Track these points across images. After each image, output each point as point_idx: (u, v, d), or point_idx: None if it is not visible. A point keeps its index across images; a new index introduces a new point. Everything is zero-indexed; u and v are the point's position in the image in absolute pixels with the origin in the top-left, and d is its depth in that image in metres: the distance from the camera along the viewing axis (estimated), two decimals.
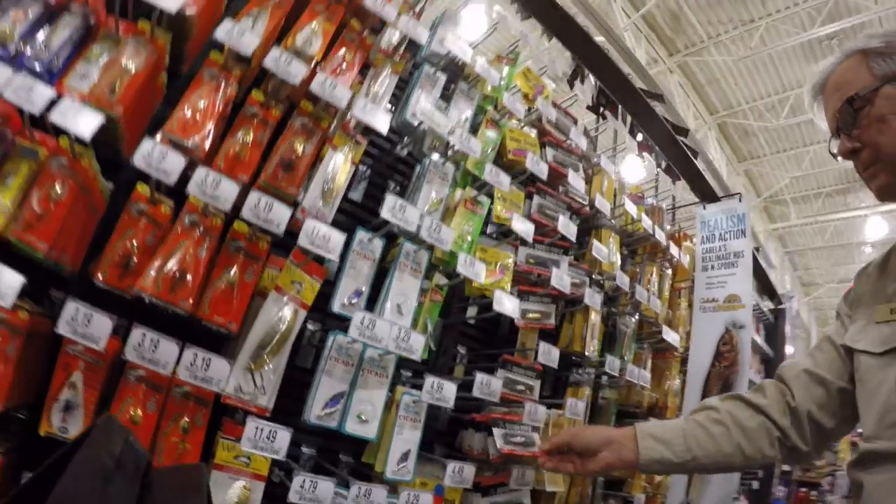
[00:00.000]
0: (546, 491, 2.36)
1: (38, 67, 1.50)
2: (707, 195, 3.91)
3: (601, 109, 3.79)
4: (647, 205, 3.47)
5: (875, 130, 1.19)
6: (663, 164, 3.87)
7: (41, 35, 1.55)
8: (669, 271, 3.53)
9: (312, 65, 1.76)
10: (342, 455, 1.98)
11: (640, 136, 3.75)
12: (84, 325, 1.35)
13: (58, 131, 1.42)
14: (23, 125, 1.45)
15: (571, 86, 3.27)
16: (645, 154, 3.84)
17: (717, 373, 3.07)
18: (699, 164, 4.29)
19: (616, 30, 9.01)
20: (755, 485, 5.25)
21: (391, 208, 1.72)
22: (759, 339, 5.41)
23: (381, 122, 1.79)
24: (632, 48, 9.22)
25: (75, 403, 1.43)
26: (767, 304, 5.61)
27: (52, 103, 1.37)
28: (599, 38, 8.58)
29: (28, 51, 1.52)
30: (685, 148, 3.86)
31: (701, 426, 1.48)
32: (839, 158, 1.30)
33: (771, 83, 11.19)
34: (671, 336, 3.22)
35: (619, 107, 3.43)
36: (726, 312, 3.29)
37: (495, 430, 2.09)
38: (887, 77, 1.18)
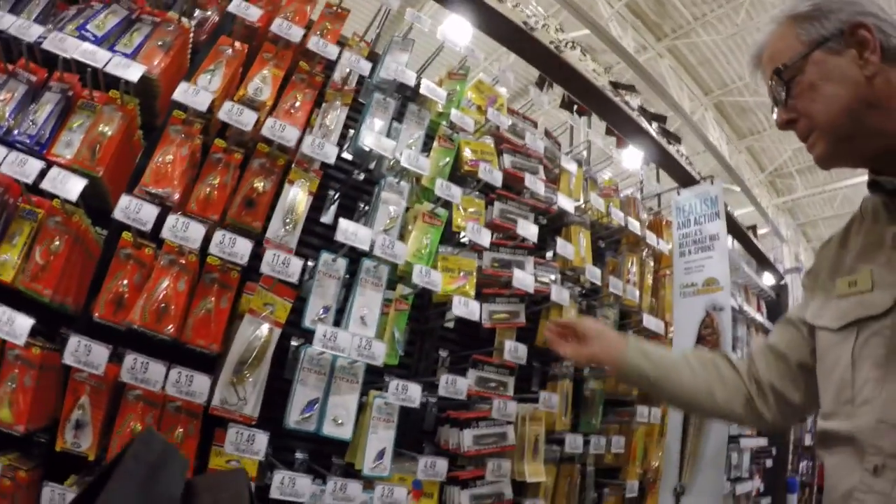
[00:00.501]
0: (528, 482, 2.49)
1: (28, 141, 1.75)
2: (686, 181, 4.01)
3: (574, 107, 3.96)
4: (623, 197, 3.60)
5: (807, 99, 1.14)
6: (643, 155, 4.01)
7: (30, 112, 1.81)
8: (651, 260, 3.63)
9: (265, 110, 1.98)
10: (334, 457, 2.17)
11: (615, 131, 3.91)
12: (85, 354, 1.59)
13: (51, 194, 1.65)
14: (21, 192, 1.69)
15: (541, 87, 3.44)
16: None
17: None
18: (682, 149, 4.39)
19: (601, 20, 9.10)
20: (769, 462, 5.22)
21: (344, 231, 1.91)
22: (761, 318, 5.36)
23: (329, 154, 1.99)
24: (618, 37, 9.30)
25: (84, 422, 1.68)
26: (769, 281, 5.57)
27: (43, 173, 1.61)
28: (584, 32, 8.71)
29: (18, 128, 1.77)
30: (657, 137, 3.98)
31: (685, 359, 1.57)
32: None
33: None
34: (653, 323, 3.31)
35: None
36: (706, 296, 3.32)
37: (466, 431, 2.26)
38: (815, 42, 1.13)
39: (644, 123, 3.91)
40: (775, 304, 5.73)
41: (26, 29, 1.77)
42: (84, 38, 1.85)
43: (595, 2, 9.60)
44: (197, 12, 2.31)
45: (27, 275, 1.66)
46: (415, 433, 2.40)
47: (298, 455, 2.13)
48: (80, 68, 1.83)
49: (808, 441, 6.47)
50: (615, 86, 4.06)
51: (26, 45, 1.80)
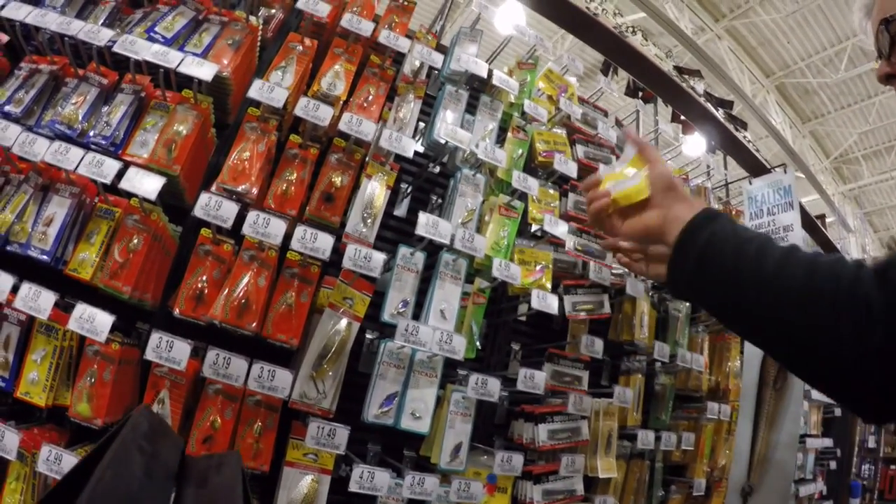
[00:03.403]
0: (600, 477, 2.46)
1: (103, 142, 1.79)
2: (755, 168, 3.87)
3: (639, 94, 3.85)
4: (693, 186, 3.49)
5: None
6: (711, 142, 3.88)
7: (103, 114, 1.84)
8: None
9: (339, 105, 1.97)
10: (405, 450, 2.17)
11: (682, 117, 3.79)
12: (167, 350, 1.62)
13: (129, 193, 1.68)
14: (98, 192, 1.72)
15: (606, 73, 3.35)
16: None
17: None
18: (748, 134, 4.24)
19: (657, 2, 8.86)
20: (833, 465, 5.07)
21: (425, 225, 1.89)
22: None
23: (408, 148, 1.97)
24: (675, 19, 9.05)
25: (164, 415, 1.72)
26: None
27: (121, 173, 1.64)
28: (640, 15, 8.49)
29: (93, 129, 1.81)
30: (725, 123, 3.84)
31: None
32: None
33: (825, 35, 10.67)
34: None
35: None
36: None
37: (540, 426, 2.23)
38: None
39: (711, 109, 3.76)
40: None
41: (96, 33, 1.80)
42: (153, 41, 1.87)
43: None
44: (262, 10, 2.31)
45: (106, 272, 1.70)
46: (486, 427, 2.37)
47: (371, 447, 2.13)
48: (152, 69, 1.85)
49: (871, 444, 6.23)
50: (680, 71, 3.93)
51: (96, 49, 1.83)
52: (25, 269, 1.65)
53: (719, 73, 9.08)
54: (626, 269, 2.23)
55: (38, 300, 1.58)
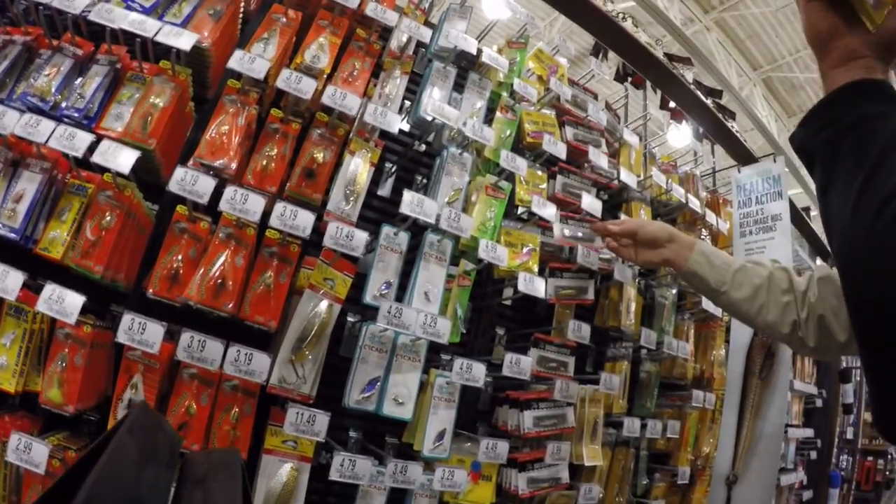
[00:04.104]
0: (585, 465, 2.42)
1: (76, 115, 1.71)
2: (744, 158, 3.85)
3: (628, 79, 3.81)
4: (681, 173, 3.46)
5: None
6: (701, 130, 3.85)
7: (76, 86, 1.77)
8: (708, 239, 3.49)
9: (323, 78, 1.90)
10: (388, 437, 2.12)
11: (671, 104, 3.76)
12: (140, 333, 1.54)
13: (101, 168, 1.60)
14: (70, 167, 1.65)
15: (596, 55, 3.30)
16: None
17: (760, 342, 3.03)
18: (735, 125, 4.22)
19: None
20: (813, 454, 5.11)
21: (409, 203, 1.82)
22: None
23: (393, 124, 1.90)
24: (665, 9, 9.03)
25: (137, 401, 1.62)
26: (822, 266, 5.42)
27: (93, 146, 1.57)
28: (630, 4, 8.46)
29: (66, 101, 1.73)
30: (715, 111, 3.82)
31: (746, 273, 1.70)
32: None
33: None
34: (712, 305, 3.19)
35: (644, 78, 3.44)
36: None
37: (526, 413, 2.18)
38: None
39: (701, 97, 3.73)
40: None
41: (71, 1, 1.72)
42: (131, 9, 1.79)
43: None
44: None
45: (77, 251, 1.62)
46: (469, 413, 2.32)
47: (352, 434, 2.08)
48: (129, 40, 1.78)
49: (849, 435, 6.30)
50: (670, 58, 3.90)
51: (72, 19, 1.76)
52: None
53: (707, 65, 9.09)
54: (615, 255, 2.20)
55: (5, 280, 1.50)
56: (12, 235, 1.60)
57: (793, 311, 1.58)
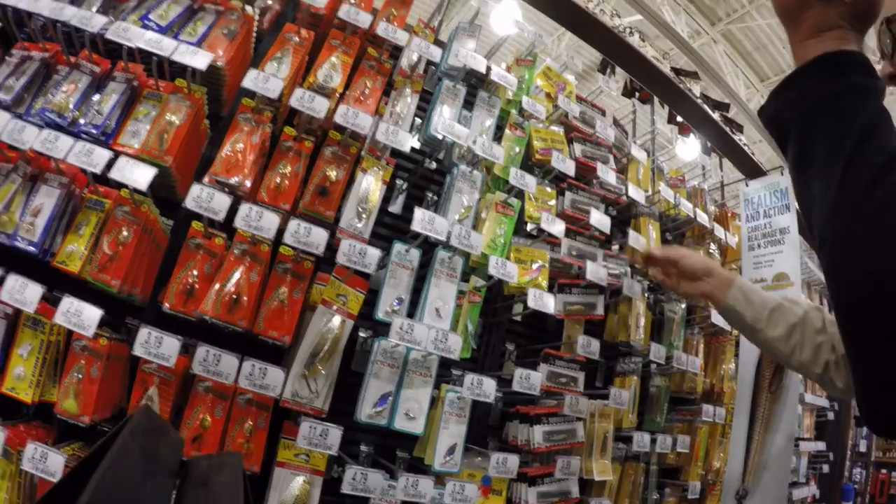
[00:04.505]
0: (595, 480, 2.43)
1: (94, 131, 1.75)
2: (752, 171, 3.85)
3: (636, 94, 3.82)
4: (689, 187, 3.47)
5: None
6: (708, 144, 3.86)
7: (94, 102, 1.80)
8: (717, 253, 3.50)
9: (335, 97, 1.93)
10: (398, 451, 2.14)
11: (678, 119, 3.77)
12: (156, 346, 1.57)
13: (119, 184, 1.63)
14: (87, 182, 1.69)
15: (604, 72, 3.33)
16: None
17: (770, 357, 3.02)
18: (743, 137, 4.21)
19: (653, 5, 8.86)
20: (825, 468, 5.06)
21: (421, 220, 1.85)
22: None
23: (404, 142, 1.94)
24: (671, 22, 9.05)
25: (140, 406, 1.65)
26: None
27: (111, 163, 1.60)
28: (637, 17, 8.49)
29: (84, 118, 1.77)
30: (722, 125, 3.83)
31: (782, 312, 1.67)
32: None
33: None
34: (721, 319, 3.19)
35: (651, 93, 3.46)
36: (776, 292, 3.20)
37: (536, 427, 2.20)
38: None
39: (708, 111, 3.74)
40: None
41: (89, 20, 1.76)
42: (147, 28, 1.83)
43: None
44: (258, 0, 2.28)
45: (94, 265, 1.65)
46: (480, 428, 2.34)
47: (363, 448, 2.09)
48: (145, 58, 1.82)
49: (862, 448, 6.23)
50: (677, 72, 3.92)
51: (89, 37, 1.79)
52: (11, 261, 1.61)
53: (714, 77, 9.09)
54: (660, 283, 2.18)
55: (24, 293, 1.54)
56: (31, 249, 1.63)
57: (826, 352, 1.57)
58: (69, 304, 1.54)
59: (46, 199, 1.70)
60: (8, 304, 1.55)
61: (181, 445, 1.01)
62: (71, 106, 1.78)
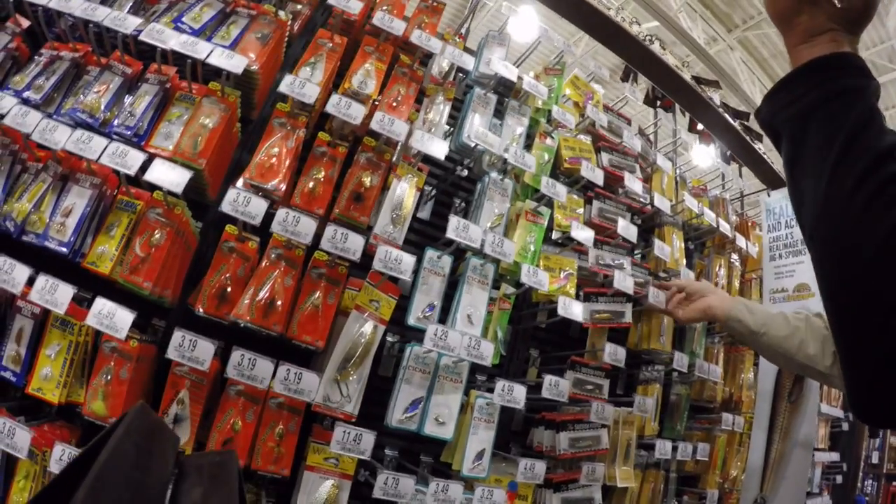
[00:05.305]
0: (618, 487, 2.43)
1: (127, 132, 1.75)
2: (772, 180, 3.84)
3: (657, 103, 3.82)
4: (711, 197, 3.46)
5: None
6: (728, 153, 3.85)
7: (126, 104, 1.81)
8: (738, 262, 3.49)
9: (369, 103, 1.94)
10: (423, 455, 2.15)
11: (699, 126, 3.77)
12: (190, 350, 1.58)
13: (150, 185, 1.64)
14: (119, 183, 1.69)
15: (626, 80, 3.33)
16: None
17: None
18: (762, 146, 4.19)
19: (670, 11, 8.84)
20: (839, 479, 5.04)
21: (455, 228, 1.86)
22: None
23: (439, 149, 1.94)
24: (688, 29, 9.02)
25: (183, 416, 1.67)
26: None
27: (145, 164, 1.60)
28: (653, 24, 8.47)
29: (117, 119, 1.77)
30: (743, 134, 3.81)
31: (783, 315, 1.83)
32: None
33: None
34: None
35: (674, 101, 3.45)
36: (796, 302, 3.19)
37: (562, 434, 2.20)
38: None
39: (729, 119, 3.73)
40: None
41: (122, 21, 1.77)
42: (180, 31, 1.84)
43: None
44: (288, 5, 2.29)
45: (126, 267, 1.65)
46: (503, 433, 2.34)
47: (388, 452, 2.10)
48: (177, 60, 1.82)
49: (874, 459, 6.19)
50: (698, 81, 3.90)
51: (121, 38, 1.80)
52: (38, 260, 1.61)
53: (731, 84, 9.06)
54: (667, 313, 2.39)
55: (54, 293, 1.53)
56: (62, 249, 1.64)
57: (832, 344, 1.61)
58: (101, 305, 1.54)
59: (77, 200, 1.70)
60: (37, 304, 1.55)
61: (177, 443, 1.00)
62: (102, 107, 1.78)
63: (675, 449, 2.73)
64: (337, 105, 1.82)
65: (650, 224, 2.93)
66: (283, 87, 1.81)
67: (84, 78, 1.87)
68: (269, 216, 1.69)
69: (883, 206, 0.76)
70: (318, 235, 1.72)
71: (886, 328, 0.75)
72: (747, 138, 3.93)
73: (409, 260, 1.77)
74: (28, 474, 1.59)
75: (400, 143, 1.97)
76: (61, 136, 1.62)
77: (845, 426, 5.04)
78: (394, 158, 1.97)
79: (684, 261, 2.91)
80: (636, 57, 3.13)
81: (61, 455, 1.47)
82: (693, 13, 9.92)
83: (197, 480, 0.91)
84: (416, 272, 1.94)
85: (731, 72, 9.74)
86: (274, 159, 1.82)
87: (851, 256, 0.79)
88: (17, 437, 1.47)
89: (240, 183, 1.75)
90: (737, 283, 3.44)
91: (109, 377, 1.63)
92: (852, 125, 0.82)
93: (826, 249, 0.84)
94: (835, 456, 4.76)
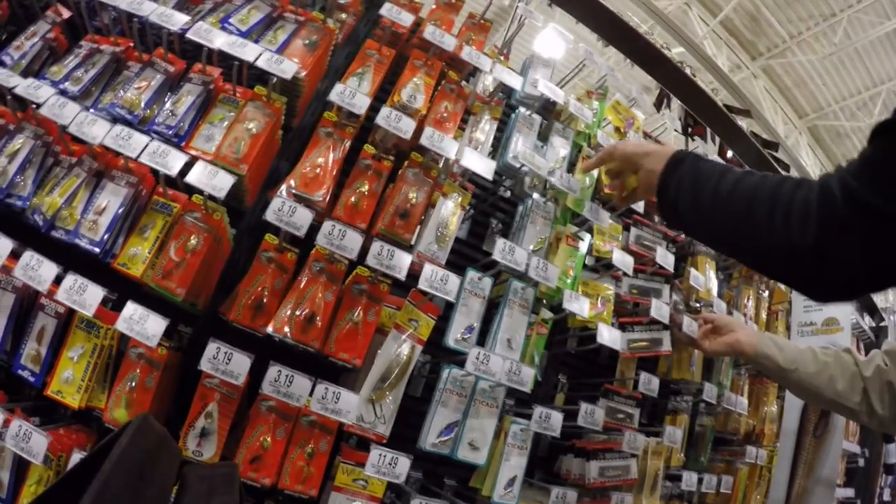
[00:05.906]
0: None
1: (167, 132, 1.70)
2: None
3: (689, 131, 3.80)
4: None
5: None
6: None
7: (167, 102, 1.77)
8: (766, 294, 3.44)
9: (418, 118, 1.90)
10: (446, 479, 2.10)
11: (728, 154, 3.73)
12: (225, 363, 1.51)
13: (188, 187, 1.60)
14: (156, 183, 1.65)
15: (658, 108, 3.30)
16: None
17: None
18: (793, 174, 4.15)
19: (695, 39, 8.83)
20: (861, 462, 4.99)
21: (501, 251, 1.82)
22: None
23: (486, 169, 1.91)
24: (713, 56, 9.01)
25: (210, 430, 1.60)
26: (868, 322, 5.33)
27: (186, 166, 1.56)
28: (679, 50, 8.46)
29: (157, 117, 1.73)
30: (774, 163, 3.78)
31: (812, 350, 1.88)
32: None
33: (860, 79, 10.57)
34: None
35: (707, 128, 3.43)
36: (825, 336, 3.16)
37: (592, 462, 2.15)
38: None
39: (760, 148, 3.70)
40: (874, 347, 5.46)
41: (169, 17, 1.74)
42: (227, 32, 1.80)
43: (689, 19, 9.33)
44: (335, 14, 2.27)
45: (158, 271, 1.59)
46: (530, 460, 2.28)
47: (412, 474, 2.05)
48: (221, 62, 1.79)
49: (886, 496, 6.13)
50: (729, 109, 3.88)
51: (166, 34, 1.77)
52: (62, 257, 1.56)
53: (754, 112, 9.04)
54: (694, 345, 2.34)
55: (83, 294, 1.48)
56: (94, 248, 1.59)
57: (860, 381, 1.72)
58: (133, 310, 1.48)
59: (112, 198, 1.66)
60: (64, 304, 1.50)
61: (179, 456, 0.98)
62: (142, 104, 1.74)
63: (700, 481, 2.68)
64: (387, 118, 1.78)
65: (682, 252, 2.88)
66: (333, 96, 1.77)
67: (124, 73, 1.84)
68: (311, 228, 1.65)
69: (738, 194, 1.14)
70: (362, 252, 1.67)
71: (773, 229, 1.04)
72: (779, 168, 3.89)
73: (454, 280, 1.73)
74: (41, 479, 1.54)
75: (446, 160, 1.93)
76: (100, 131, 1.58)
77: (861, 462, 4.98)
78: (441, 176, 1.94)
79: (716, 290, 2.86)
80: (675, 83, 3.10)
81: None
82: (718, 41, 9.91)
83: (198, 493, 0.90)
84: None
85: (755, 100, 9.72)
86: (319, 169, 1.78)
87: (721, 234, 1.24)
88: (32, 441, 1.43)
89: (282, 191, 1.70)
90: (763, 315, 3.38)
91: (134, 384, 1.57)
92: (705, 172, 1.26)
93: (705, 231, 1.31)
94: (850, 492, 4.70)
